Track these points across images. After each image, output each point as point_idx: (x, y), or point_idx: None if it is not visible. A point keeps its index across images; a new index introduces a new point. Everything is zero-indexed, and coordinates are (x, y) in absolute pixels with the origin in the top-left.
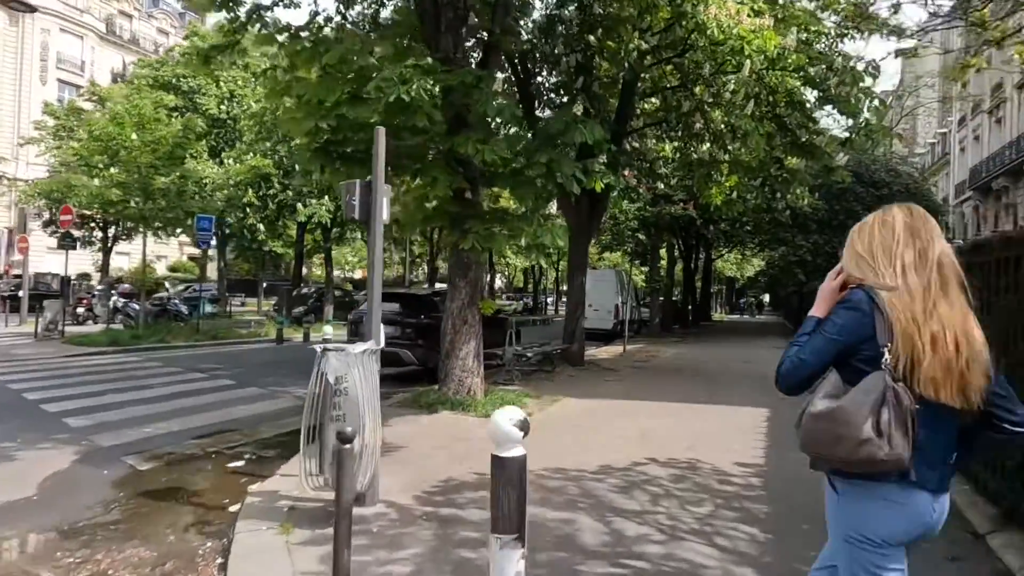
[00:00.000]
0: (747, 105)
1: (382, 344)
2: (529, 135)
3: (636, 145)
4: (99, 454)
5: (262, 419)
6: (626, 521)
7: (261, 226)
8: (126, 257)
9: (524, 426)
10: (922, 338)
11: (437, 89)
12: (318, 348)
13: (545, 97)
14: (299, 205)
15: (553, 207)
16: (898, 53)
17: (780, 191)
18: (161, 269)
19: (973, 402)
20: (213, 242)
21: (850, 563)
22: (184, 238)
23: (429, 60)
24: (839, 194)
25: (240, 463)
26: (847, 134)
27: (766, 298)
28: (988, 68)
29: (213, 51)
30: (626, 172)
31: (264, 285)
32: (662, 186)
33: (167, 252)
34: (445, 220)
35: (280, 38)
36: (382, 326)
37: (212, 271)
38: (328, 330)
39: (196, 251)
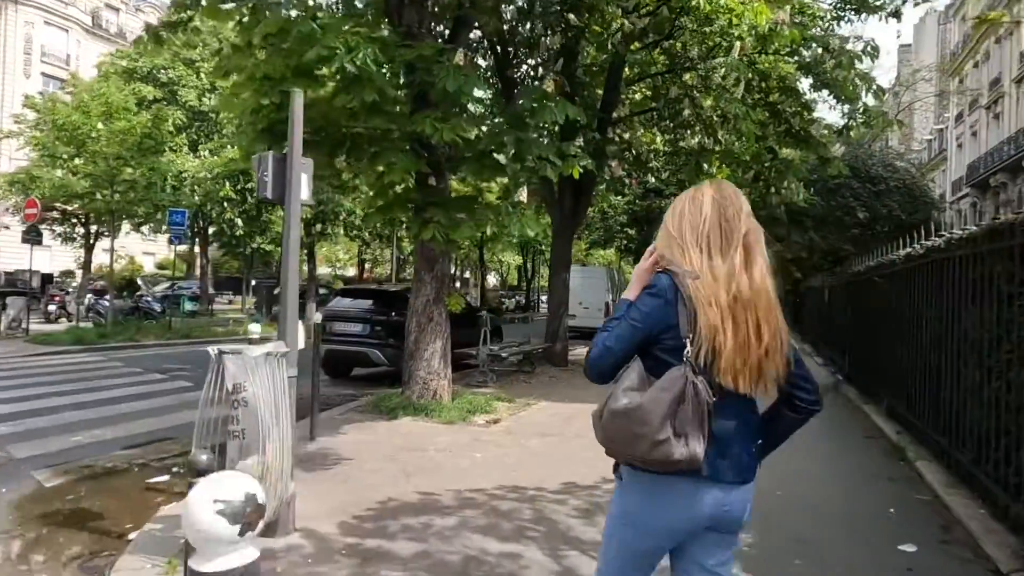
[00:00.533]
0: (738, 88)
1: (299, 345)
2: (498, 118)
3: (625, 136)
4: (8, 468)
5: None
6: (582, 556)
7: (239, 221)
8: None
9: (244, 515)
10: (724, 326)
11: (393, 62)
12: (212, 352)
13: (528, 84)
14: None
15: (524, 195)
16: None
17: (774, 185)
18: (149, 266)
19: (770, 390)
20: (197, 239)
21: (609, 539)
22: None
23: (385, 33)
24: (835, 189)
25: (164, 478)
26: (845, 120)
27: None
28: (1009, 23)
29: (164, 28)
30: (613, 163)
31: (253, 283)
32: (653, 180)
33: (155, 249)
34: (405, 209)
35: (227, 6)
36: (300, 325)
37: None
38: (255, 328)
39: (184, 248)
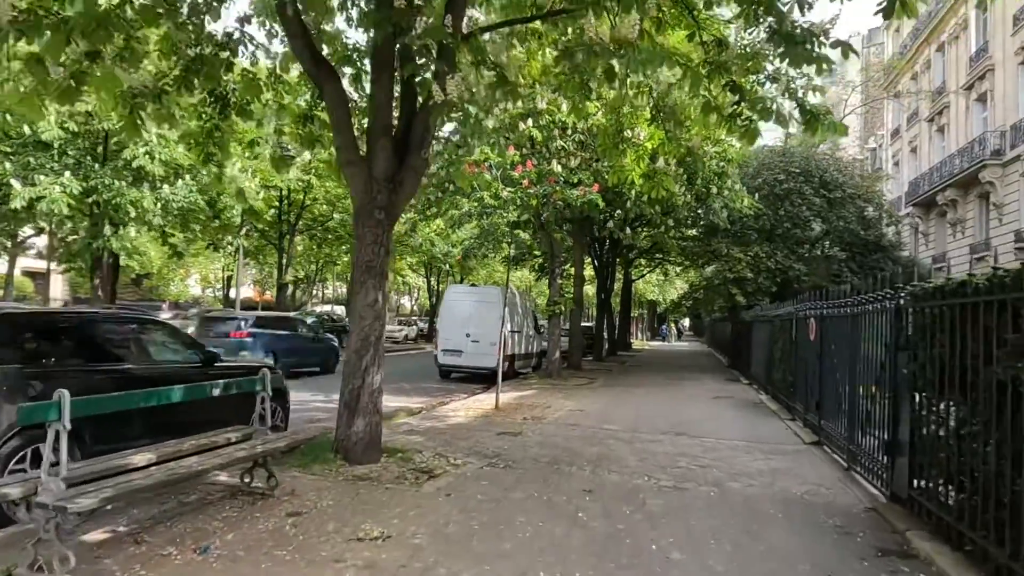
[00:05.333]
0: None
1: None
2: None
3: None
4: None
5: None
6: None
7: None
8: None
9: None
10: None
11: None
12: None
13: None
14: (15, 183)
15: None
16: None
17: (715, 184)
18: None
19: None
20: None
21: None
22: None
23: None
24: (784, 196)
25: None
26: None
27: (685, 322)
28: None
29: None
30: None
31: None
32: (559, 168)
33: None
34: None
35: None
36: None
37: (56, 288)
38: None
39: (36, 264)
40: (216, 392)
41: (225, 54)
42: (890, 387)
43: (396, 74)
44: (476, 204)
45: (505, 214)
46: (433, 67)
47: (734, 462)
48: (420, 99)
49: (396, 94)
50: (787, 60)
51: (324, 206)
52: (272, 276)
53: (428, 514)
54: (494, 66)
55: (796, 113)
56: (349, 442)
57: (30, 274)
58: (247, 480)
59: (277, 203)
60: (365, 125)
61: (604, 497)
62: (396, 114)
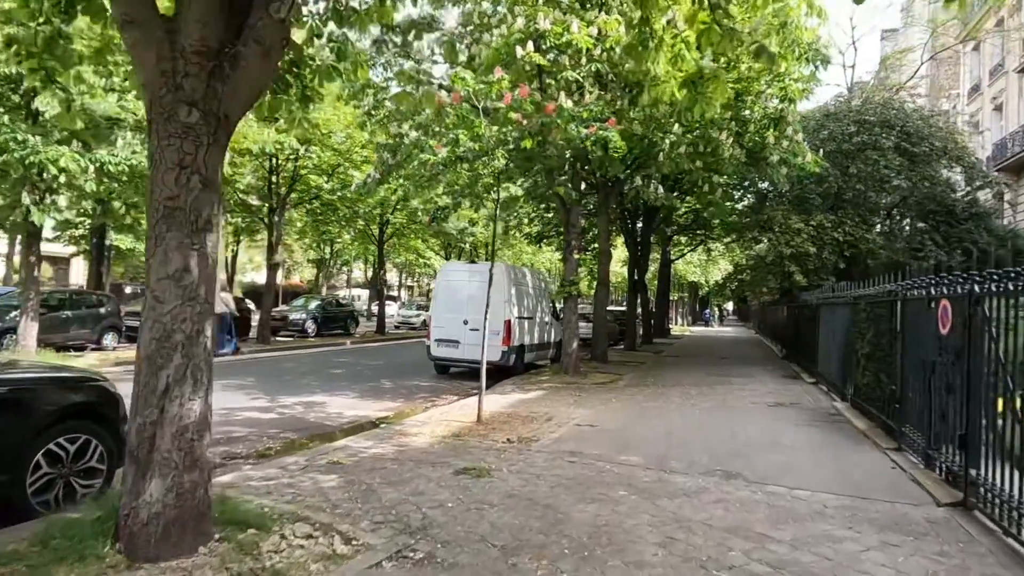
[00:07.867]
0: None
1: None
2: None
3: None
4: None
5: None
6: None
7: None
8: None
9: None
10: None
11: None
12: None
13: None
14: None
15: None
16: None
17: (771, 133)
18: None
19: None
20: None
21: None
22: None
23: None
24: (855, 152)
25: None
26: None
27: (728, 306)
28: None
29: None
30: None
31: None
32: (570, 103)
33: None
34: None
35: None
36: None
37: (78, 274)
38: None
39: (58, 249)
40: None
41: None
42: None
43: None
44: (451, 147)
45: (490, 161)
46: None
47: (831, 553)
48: None
49: None
50: None
51: (320, 177)
52: (300, 257)
53: None
54: None
55: None
56: (134, 521)
57: (52, 259)
58: None
59: (267, 174)
60: None
61: None
62: None
